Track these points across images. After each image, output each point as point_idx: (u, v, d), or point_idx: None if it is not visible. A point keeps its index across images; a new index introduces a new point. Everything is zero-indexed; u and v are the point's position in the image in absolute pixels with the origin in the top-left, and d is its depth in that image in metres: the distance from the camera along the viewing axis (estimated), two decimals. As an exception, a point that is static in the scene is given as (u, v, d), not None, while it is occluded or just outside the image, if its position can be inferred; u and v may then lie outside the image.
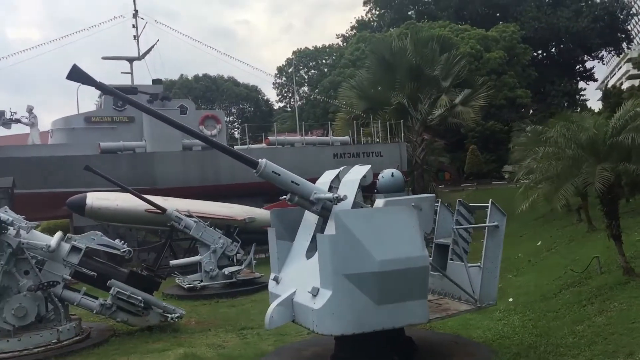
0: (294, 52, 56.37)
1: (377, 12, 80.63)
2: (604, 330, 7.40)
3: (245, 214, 18.36)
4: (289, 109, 58.33)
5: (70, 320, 9.73)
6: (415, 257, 6.30)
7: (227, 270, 14.02)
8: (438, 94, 31.58)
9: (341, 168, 7.90)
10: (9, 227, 9.18)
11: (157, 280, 10.61)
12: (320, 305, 6.17)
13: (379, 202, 7.35)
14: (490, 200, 7.30)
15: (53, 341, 9.22)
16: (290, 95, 56.94)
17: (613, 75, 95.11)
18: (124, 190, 13.84)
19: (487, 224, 7.16)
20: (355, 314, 6.13)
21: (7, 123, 22.43)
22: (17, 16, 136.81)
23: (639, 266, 10.04)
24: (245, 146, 24.54)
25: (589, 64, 75.08)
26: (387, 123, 27.65)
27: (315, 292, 6.42)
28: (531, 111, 54.06)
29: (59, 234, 10.02)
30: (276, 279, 7.63)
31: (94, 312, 9.93)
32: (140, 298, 9.93)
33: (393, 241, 6.29)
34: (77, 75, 6.35)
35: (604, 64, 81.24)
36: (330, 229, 6.93)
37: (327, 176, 7.85)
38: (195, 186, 22.16)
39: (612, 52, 72.48)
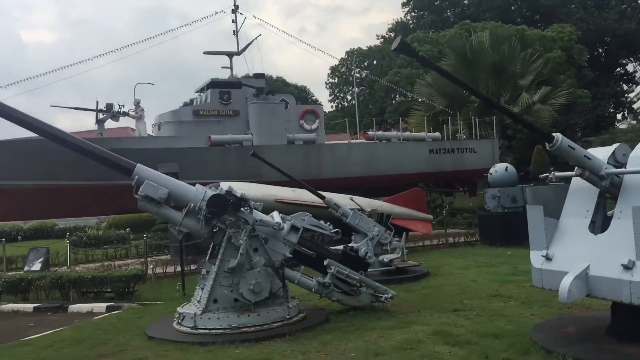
0: (347, 52, 56.66)
1: (415, 14, 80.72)
2: None
3: (369, 206, 18.47)
4: (340, 109, 58.56)
5: (293, 298, 9.92)
6: None
7: (385, 258, 14.13)
8: (517, 92, 31.58)
9: (616, 145, 7.91)
10: (246, 204, 9.38)
11: (367, 261, 10.73)
12: (641, 277, 6.32)
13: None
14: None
15: (286, 317, 9.42)
16: (341, 95, 57.22)
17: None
18: (292, 180, 13.91)
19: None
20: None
21: (116, 116, 22.86)
22: (31, 17, 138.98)
23: None
24: (347, 141, 24.79)
25: (629, 67, 74.48)
26: (474, 119, 27.64)
27: (631, 265, 6.57)
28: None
29: (277, 213, 10.23)
30: (546, 256, 7.73)
31: (312, 290, 10.10)
32: (357, 277, 10.08)
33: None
34: (403, 47, 6.55)
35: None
36: (628, 202, 7.03)
37: (600, 153, 7.86)
38: (299, 180, 22.37)
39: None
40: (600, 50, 73.63)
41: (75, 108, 22.94)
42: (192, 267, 19.39)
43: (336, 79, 58.36)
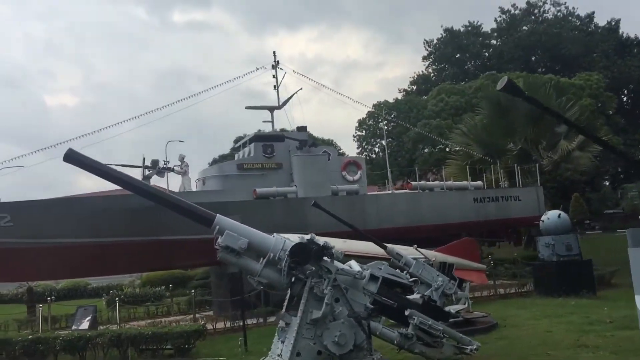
0: (374, 105, 57.33)
1: (436, 67, 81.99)
2: None
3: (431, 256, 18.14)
4: (368, 161, 58.65)
5: (376, 351, 9.55)
6: None
7: (452, 309, 13.68)
8: (555, 139, 31.39)
9: None
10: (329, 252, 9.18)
11: (448, 311, 10.39)
12: None
13: None
14: None
15: (374, 370, 9.05)
16: (369, 147, 57.54)
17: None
18: (354, 230, 13.74)
19: None
20: None
21: (161, 172, 23.02)
22: (54, 82, 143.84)
23: None
24: (390, 191, 24.65)
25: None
26: (516, 167, 27.41)
27: None
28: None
29: (355, 262, 10.00)
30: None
31: (394, 342, 9.74)
32: (441, 328, 9.73)
33: None
34: (509, 87, 6.49)
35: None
36: None
37: None
38: (343, 231, 22.16)
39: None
40: (624, 97, 73.74)
41: (122, 165, 23.13)
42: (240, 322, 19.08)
43: (363, 131, 58.87)
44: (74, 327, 19.62)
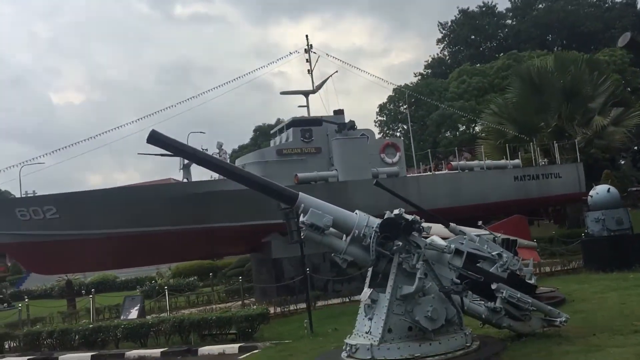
0: (394, 90, 56.82)
1: (451, 50, 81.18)
2: None
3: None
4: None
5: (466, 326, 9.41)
6: None
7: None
8: (588, 115, 30.95)
9: None
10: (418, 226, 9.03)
11: (533, 284, 10.20)
12: None
13: None
14: None
15: (466, 345, 8.91)
16: (390, 132, 57.07)
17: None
18: (418, 209, 13.51)
19: None
20: None
21: (200, 159, 22.89)
22: (60, 80, 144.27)
23: None
24: (430, 172, 24.45)
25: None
26: (554, 144, 27.06)
27: None
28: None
29: (437, 237, 9.84)
30: None
31: (483, 316, 9.57)
32: (529, 301, 9.55)
33: None
34: (633, 43, 6.25)
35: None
36: None
37: None
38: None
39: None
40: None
41: (161, 155, 23.01)
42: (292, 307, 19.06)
43: (384, 116, 58.44)
44: (122, 317, 19.67)
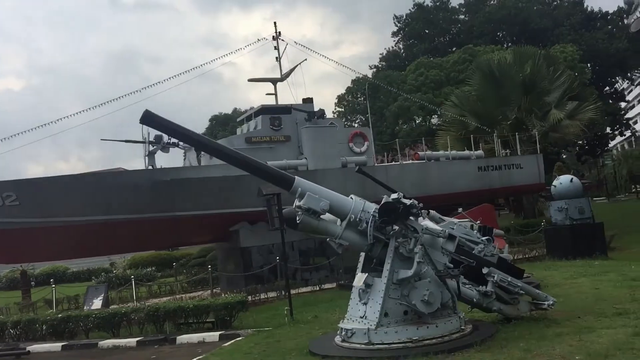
0: (352, 81, 57.01)
1: (406, 43, 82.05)
2: None
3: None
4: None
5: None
6: None
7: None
8: (546, 108, 31.86)
9: None
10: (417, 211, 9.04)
11: (520, 268, 10.39)
12: None
13: None
14: None
15: (461, 328, 9.01)
16: (348, 124, 57.25)
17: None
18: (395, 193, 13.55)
19: None
20: None
21: (166, 147, 22.37)
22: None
23: None
24: (399, 162, 24.63)
25: (617, 85, 76.23)
26: (516, 135, 27.75)
27: None
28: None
29: (430, 222, 9.89)
30: None
31: (474, 300, 9.69)
32: (519, 285, 9.73)
33: None
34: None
35: (634, 85, 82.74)
36: None
37: None
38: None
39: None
40: (591, 69, 75.29)
41: (125, 141, 22.39)
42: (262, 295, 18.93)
43: (343, 107, 58.61)
44: (86, 307, 19.06)
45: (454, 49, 70.68)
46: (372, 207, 9.42)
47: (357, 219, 9.24)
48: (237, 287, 20.98)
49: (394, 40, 79.71)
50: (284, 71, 24.83)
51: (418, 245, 8.90)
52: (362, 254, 9.96)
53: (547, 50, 51.89)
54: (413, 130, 49.81)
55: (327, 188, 19.47)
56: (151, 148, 22.06)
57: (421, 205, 9.28)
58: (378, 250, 9.37)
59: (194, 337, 12.69)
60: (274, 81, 24.64)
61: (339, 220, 9.52)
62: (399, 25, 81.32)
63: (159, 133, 22.45)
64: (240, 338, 11.88)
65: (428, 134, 43.73)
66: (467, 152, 26.51)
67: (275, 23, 24.87)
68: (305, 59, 24.94)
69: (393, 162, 25.46)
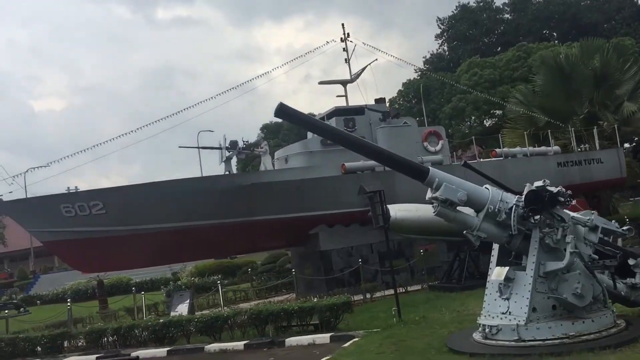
0: (403, 84, 56.41)
1: (450, 45, 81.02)
2: None
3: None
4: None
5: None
6: None
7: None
8: (618, 101, 30.77)
9: None
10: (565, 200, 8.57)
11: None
12: None
13: None
14: None
15: (616, 322, 8.48)
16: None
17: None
18: (506, 190, 13.08)
19: None
20: None
21: (242, 152, 22.37)
22: (41, 87, 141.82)
23: None
24: (476, 160, 24.05)
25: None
26: (595, 129, 26.80)
27: None
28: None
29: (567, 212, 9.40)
30: None
31: (622, 293, 9.14)
32: (672, 276, 9.14)
33: None
34: None
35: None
36: None
37: None
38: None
39: None
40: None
41: (202, 147, 22.45)
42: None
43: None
44: (172, 313, 19.05)
45: (498, 48, 69.31)
46: (510, 197, 9.00)
47: (496, 210, 8.83)
48: (318, 291, 20.66)
49: (438, 43, 78.70)
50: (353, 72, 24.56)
51: (570, 235, 8.41)
52: (496, 247, 9.54)
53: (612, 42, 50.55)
54: (473, 129, 48.91)
55: (404, 188, 19.11)
56: (228, 153, 22.04)
57: (569, 192, 8.78)
58: (518, 242, 8.94)
59: (303, 340, 12.42)
60: (344, 83, 24.39)
61: (474, 211, 9.13)
62: (442, 27, 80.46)
63: (234, 139, 22.59)
64: (356, 339, 11.53)
65: (484, 133, 42.81)
66: (544, 147, 25.68)
67: (343, 25, 24.67)
68: (376, 59, 24.68)
69: (470, 161, 24.79)
